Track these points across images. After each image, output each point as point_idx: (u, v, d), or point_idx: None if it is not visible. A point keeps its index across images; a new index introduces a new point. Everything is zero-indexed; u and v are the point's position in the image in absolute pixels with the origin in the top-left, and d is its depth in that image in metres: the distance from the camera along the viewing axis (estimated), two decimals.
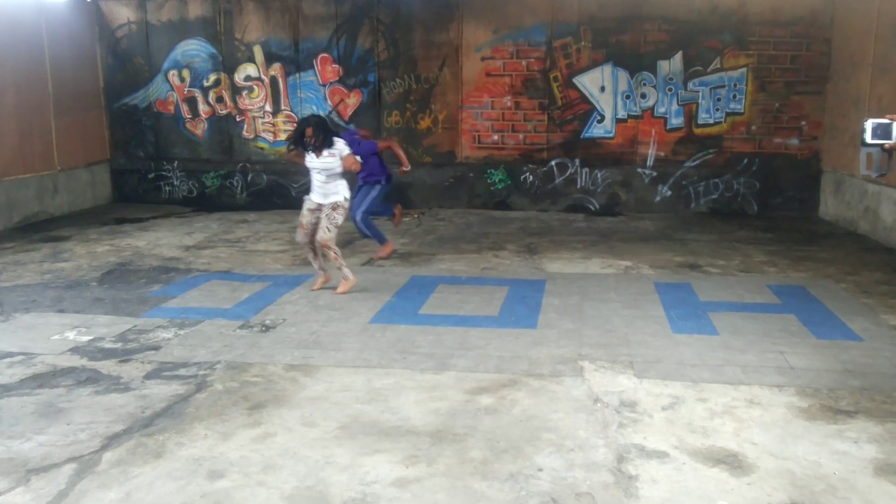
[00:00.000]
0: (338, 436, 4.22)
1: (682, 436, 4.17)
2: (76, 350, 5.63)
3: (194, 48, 12.22)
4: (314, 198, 7.00)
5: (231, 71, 12.18)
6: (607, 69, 11.32)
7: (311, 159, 6.90)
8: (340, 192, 6.98)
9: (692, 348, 5.53)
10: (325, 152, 6.84)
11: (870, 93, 9.47)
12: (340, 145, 6.90)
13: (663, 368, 5.16)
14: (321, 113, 11.60)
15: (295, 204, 12.06)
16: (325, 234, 6.89)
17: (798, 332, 5.87)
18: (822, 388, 4.79)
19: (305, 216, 7.02)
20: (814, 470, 3.79)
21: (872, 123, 2.44)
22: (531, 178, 11.75)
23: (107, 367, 5.29)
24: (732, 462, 3.88)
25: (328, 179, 6.90)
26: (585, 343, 5.68)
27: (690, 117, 11.27)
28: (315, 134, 6.78)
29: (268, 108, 12.20)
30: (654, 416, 4.42)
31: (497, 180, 11.82)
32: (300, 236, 7.06)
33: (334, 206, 6.93)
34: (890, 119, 2.41)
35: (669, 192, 11.50)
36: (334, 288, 7.12)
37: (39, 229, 10.41)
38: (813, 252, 8.71)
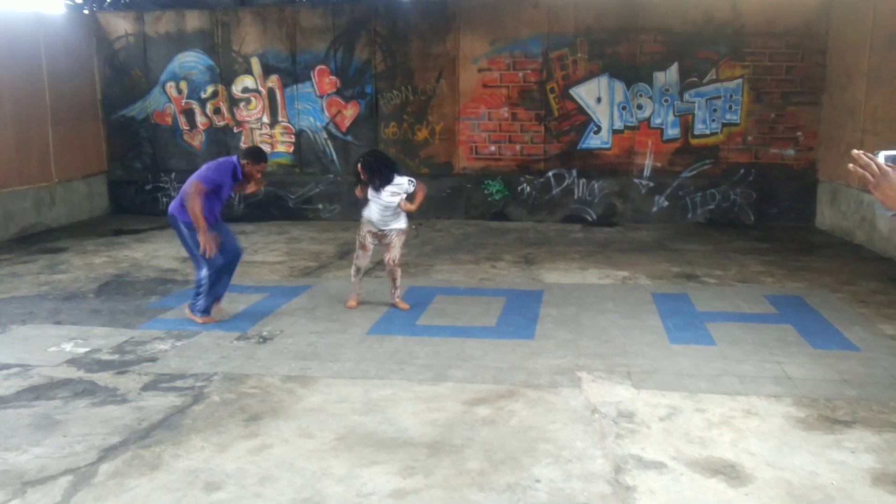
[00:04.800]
0: (335, 447, 4.22)
1: (679, 446, 4.16)
2: (73, 362, 5.61)
3: (192, 60, 12.25)
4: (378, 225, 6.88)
5: (228, 83, 12.21)
6: (603, 80, 11.36)
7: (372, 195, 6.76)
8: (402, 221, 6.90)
9: (689, 359, 5.54)
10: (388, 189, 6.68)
11: (865, 103, 9.51)
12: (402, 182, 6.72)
13: (661, 379, 5.16)
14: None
15: (292, 215, 12.12)
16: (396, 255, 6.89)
17: (795, 342, 5.87)
18: (819, 398, 4.79)
19: (369, 239, 6.93)
20: (811, 480, 3.79)
21: (885, 156, 2.31)
22: (528, 188, 11.77)
23: (103, 378, 5.28)
24: (730, 472, 3.87)
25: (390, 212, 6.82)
26: (583, 354, 5.68)
27: (687, 128, 11.31)
28: (364, 171, 6.66)
29: (265, 119, 12.22)
30: (651, 427, 4.42)
31: (494, 191, 11.84)
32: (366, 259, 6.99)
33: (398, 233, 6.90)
34: None
35: (666, 203, 11.53)
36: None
37: (36, 241, 10.41)
38: (809, 262, 8.73)
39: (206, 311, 6.55)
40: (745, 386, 5.01)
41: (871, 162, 2.23)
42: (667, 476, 3.85)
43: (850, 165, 2.27)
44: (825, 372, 5.24)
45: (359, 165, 6.72)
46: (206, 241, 6.08)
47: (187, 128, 12.46)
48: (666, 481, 3.80)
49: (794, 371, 5.26)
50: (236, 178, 6.45)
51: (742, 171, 11.27)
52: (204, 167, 6.43)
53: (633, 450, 4.13)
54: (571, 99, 11.47)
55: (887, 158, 2.23)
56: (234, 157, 6.54)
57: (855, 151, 2.26)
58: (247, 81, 12.17)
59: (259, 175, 6.55)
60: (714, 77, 11.12)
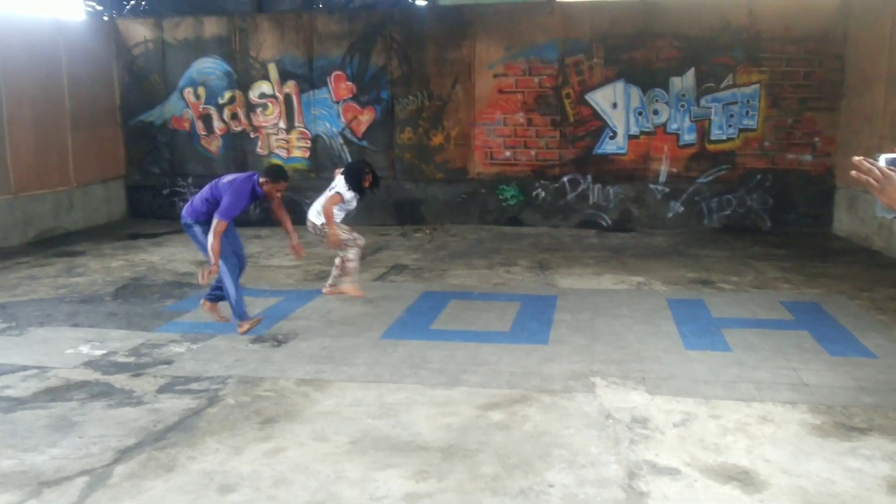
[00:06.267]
0: (349, 450, 4.23)
1: (694, 452, 4.14)
2: (90, 364, 5.66)
3: (210, 66, 12.36)
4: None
5: (246, 88, 12.30)
6: (619, 86, 11.34)
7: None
8: None
9: (705, 365, 5.51)
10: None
11: (883, 109, 9.44)
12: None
13: (675, 385, 5.14)
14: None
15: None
16: None
17: (811, 349, 5.83)
18: (835, 405, 4.75)
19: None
20: (827, 487, 3.76)
21: (886, 158, 2.30)
22: (543, 194, 11.76)
23: (120, 381, 5.33)
24: (745, 479, 3.85)
25: None
26: (597, 359, 5.66)
27: (703, 133, 11.27)
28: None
29: (282, 124, 12.30)
30: (665, 433, 4.39)
31: (509, 196, 11.84)
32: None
33: None
34: None
35: (682, 208, 11.48)
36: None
37: (55, 244, 10.51)
38: (826, 268, 8.66)
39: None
40: (760, 392, 4.98)
41: (873, 167, 2.22)
42: (681, 482, 3.83)
43: (853, 172, 2.26)
44: (842, 379, 5.20)
45: (369, 175, 7.41)
46: (209, 272, 6.19)
47: (205, 133, 12.56)
48: (680, 487, 3.78)
49: (811, 378, 5.22)
50: (256, 196, 6.50)
51: (759, 176, 11.21)
52: (225, 193, 6.36)
53: (647, 455, 4.11)
54: (587, 104, 11.46)
55: (888, 161, 2.23)
56: (255, 175, 6.55)
57: (856, 158, 2.24)
58: (264, 87, 12.26)
59: (279, 194, 6.60)
60: (731, 82, 11.07)
